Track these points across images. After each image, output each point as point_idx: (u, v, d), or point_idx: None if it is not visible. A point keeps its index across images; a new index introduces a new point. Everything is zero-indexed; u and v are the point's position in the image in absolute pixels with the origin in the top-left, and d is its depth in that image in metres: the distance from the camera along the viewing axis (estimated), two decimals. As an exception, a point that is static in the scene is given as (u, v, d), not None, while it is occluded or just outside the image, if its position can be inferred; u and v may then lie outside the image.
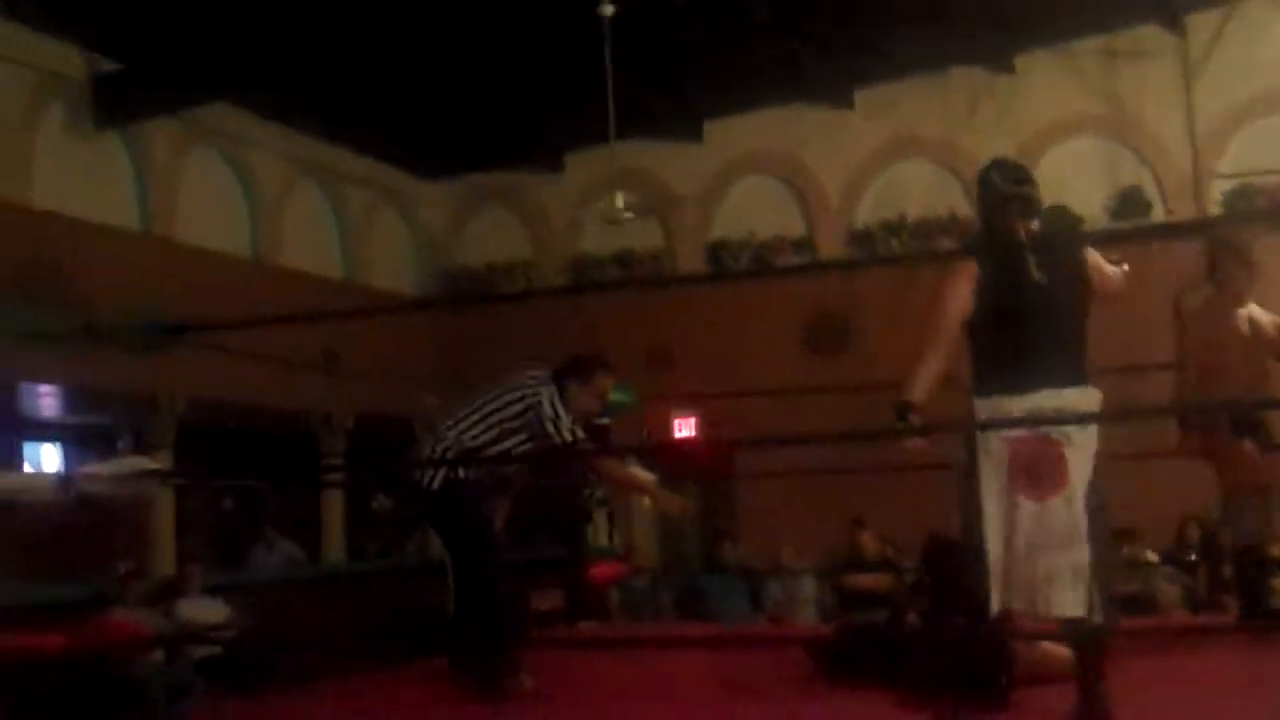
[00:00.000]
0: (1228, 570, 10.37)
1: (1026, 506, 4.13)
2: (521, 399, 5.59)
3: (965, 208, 13.73)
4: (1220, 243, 6.29)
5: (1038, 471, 4.12)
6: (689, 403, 13.19)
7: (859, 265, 14.33)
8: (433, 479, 5.53)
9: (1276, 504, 6.07)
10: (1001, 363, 4.25)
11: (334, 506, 13.91)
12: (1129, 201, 13.04)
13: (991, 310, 4.26)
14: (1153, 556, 10.60)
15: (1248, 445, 5.94)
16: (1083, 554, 4.07)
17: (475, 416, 5.60)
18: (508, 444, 5.56)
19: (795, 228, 14.49)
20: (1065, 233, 4.66)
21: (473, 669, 5.51)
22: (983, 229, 4.62)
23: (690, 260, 14.64)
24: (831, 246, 14.17)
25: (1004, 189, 4.42)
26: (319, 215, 14.44)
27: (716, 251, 14.59)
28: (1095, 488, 4.15)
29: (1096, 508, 4.15)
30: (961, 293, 4.33)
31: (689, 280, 14.52)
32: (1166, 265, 11.94)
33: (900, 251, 13.87)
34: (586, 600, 8.57)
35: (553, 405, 5.53)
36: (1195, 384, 6.11)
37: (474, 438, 5.55)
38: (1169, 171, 13.18)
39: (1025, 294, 4.20)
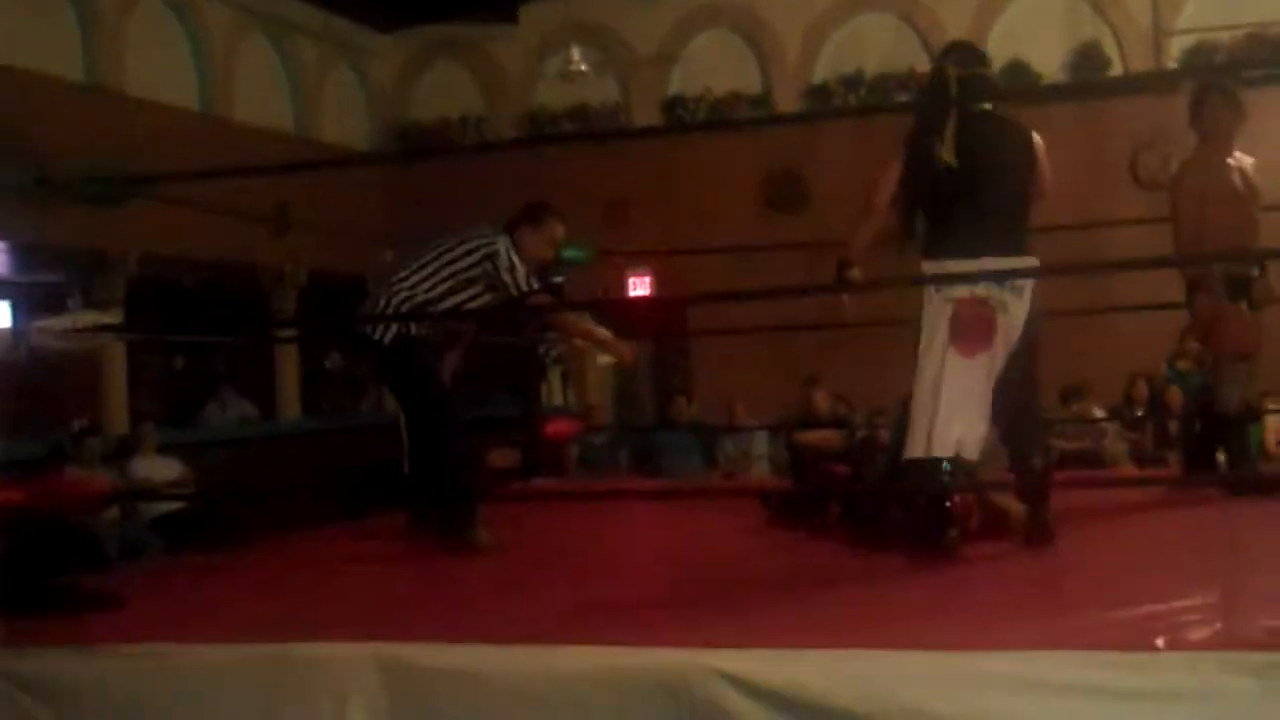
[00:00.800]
0: (1174, 426, 10.59)
1: (955, 360, 4.47)
2: (478, 248, 5.51)
3: (924, 63, 13.60)
4: (1206, 87, 6.13)
5: (969, 330, 4.46)
6: (644, 260, 13.16)
7: (815, 117, 14.25)
8: (384, 333, 5.49)
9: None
10: (941, 231, 4.59)
11: (288, 364, 13.86)
12: (1087, 57, 12.96)
13: (910, 189, 4.68)
14: (1100, 413, 10.76)
15: (1242, 309, 5.84)
16: (986, 413, 4.53)
17: (428, 269, 5.52)
18: (461, 296, 5.50)
19: (752, 84, 14.34)
20: (1012, 123, 4.75)
21: (430, 523, 5.55)
22: (918, 113, 4.99)
23: (646, 117, 14.44)
24: (789, 103, 14.04)
25: (948, 71, 4.71)
26: (269, 68, 14.16)
27: (673, 107, 14.42)
28: (1026, 350, 4.60)
29: (1029, 367, 4.64)
30: (890, 173, 4.75)
31: (644, 133, 14.41)
32: (1123, 121, 12.10)
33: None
34: (542, 457, 8.61)
35: (509, 255, 5.47)
36: (1190, 242, 5.90)
37: (426, 290, 5.48)
38: (1127, 27, 13.10)
39: (940, 174, 4.53)
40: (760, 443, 11.74)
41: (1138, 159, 12.27)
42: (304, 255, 13.09)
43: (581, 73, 13.06)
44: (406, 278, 5.54)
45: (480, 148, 13.95)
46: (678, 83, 14.60)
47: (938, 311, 4.52)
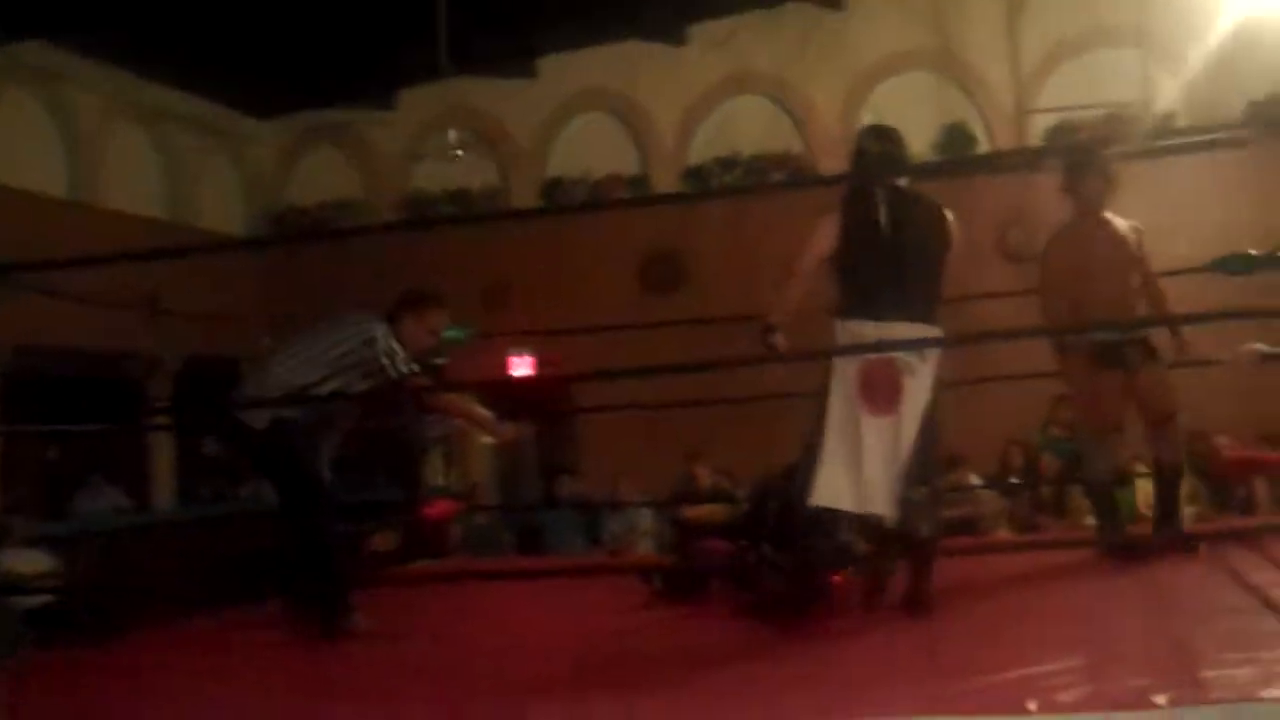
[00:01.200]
0: (1047, 492, 10.79)
1: (866, 420, 4.65)
2: (357, 334, 5.47)
3: (798, 144, 13.89)
4: (1078, 156, 6.30)
5: (879, 391, 4.64)
6: (526, 341, 13.15)
7: (693, 198, 14.39)
8: (258, 419, 5.42)
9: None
10: (862, 293, 4.78)
11: (163, 452, 13.61)
12: (955, 136, 13.26)
13: (848, 251, 4.81)
14: (976, 480, 10.92)
15: (1113, 379, 5.99)
16: (898, 470, 4.66)
17: (303, 355, 5.46)
18: (337, 382, 5.42)
19: (630, 165, 14.48)
20: (928, 198, 4.96)
21: (306, 611, 5.46)
22: (851, 183, 5.14)
23: (525, 199, 14.48)
24: (667, 184, 14.19)
25: (869, 148, 5.04)
26: (142, 155, 14.01)
27: (552, 190, 14.49)
28: (929, 415, 4.72)
29: (929, 432, 4.72)
30: (822, 236, 4.89)
31: (522, 214, 14.48)
32: (990, 198, 12.39)
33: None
34: (422, 539, 8.52)
35: (387, 340, 5.44)
36: (1066, 312, 6.08)
37: (303, 376, 5.41)
38: (992, 107, 13.46)
39: (877, 239, 4.75)
40: (645, 519, 11.72)
41: (1005, 234, 12.57)
42: (179, 341, 12.88)
43: (459, 156, 13.07)
44: (282, 363, 5.48)
45: (356, 231, 13.90)
46: (556, 165, 14.69)
47: (844, 369, 4.70)
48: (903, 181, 4.93)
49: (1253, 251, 6.55)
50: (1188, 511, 10.13)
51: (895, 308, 4.71)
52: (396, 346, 5.45)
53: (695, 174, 14.12)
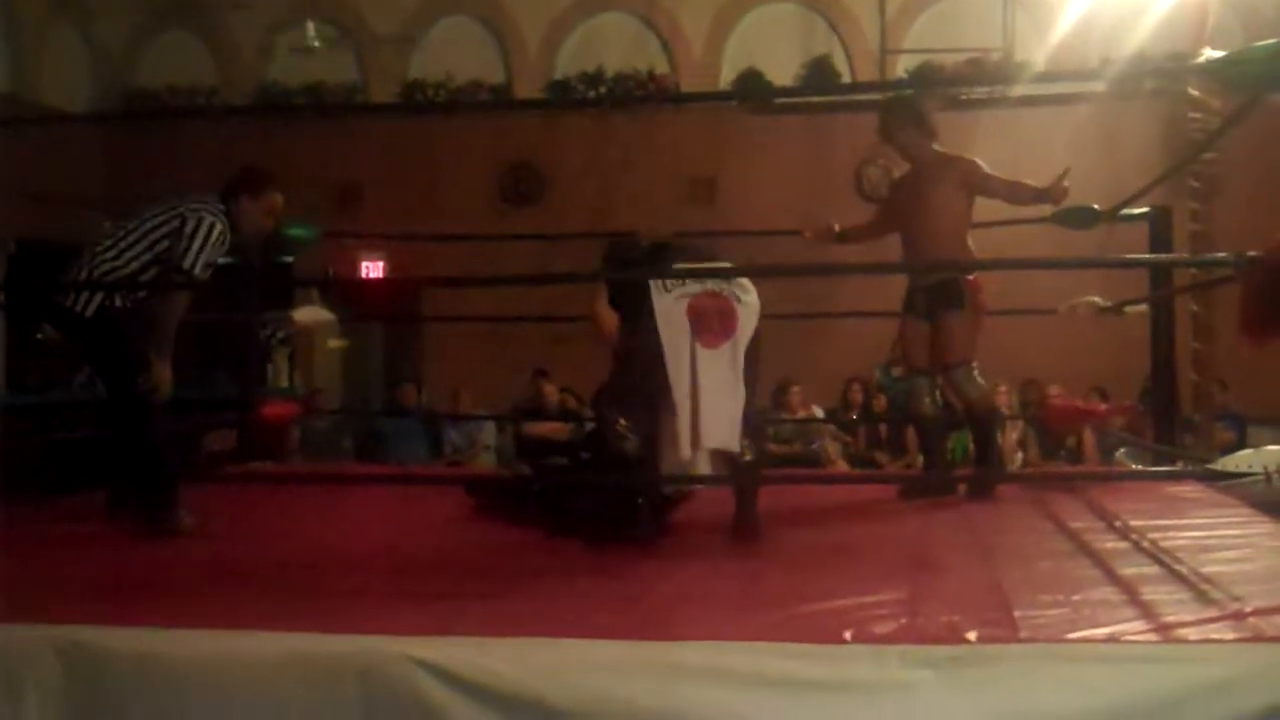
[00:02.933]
0: (884, 430, 11.05)
1: (701, 352, 4.73)
2: (174, 217, 5.28)
3: (663, 65, 13.81)
4: (893, 105, 6.37)
5: (710, 322, 4.77)
6: (378, 244, 12.97)
7: (553, 107, 14.29)
8: (85, 305, 5.24)
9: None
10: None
11: (-7, 336, 13.16)
12: (819, 69, 13.32)
13: None
14: (819, 413, 11.11)
15: (910, 323, 6.29)
16: (740, 397, 4.82)
17: (130, 238, 5.28)
18: (159, 269, 5.26)
19: (494, 74, 14.25)
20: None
21: (130, 506, 5.34)
22: None
23: (385, 99, 14.17)
24: (530, 95, 14.00)
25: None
26: (-17, 22, 13.41)
27: (412, 92, 14.19)
28: (755, 347, 4.88)
29: (753, 363, 4.90)
30: None
31: (379, 109, 14.20)
32: (847, 135, 12.48)
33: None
34: (259, 440, 8.36)
35: (200, 231, 5.22)
36: (901, 259, 6.45)
37: (127, 262, 5.25)
38: (858, 43, 13.51)
39: None
40: (488, 433, 11.70)
41: (861, 171, 12.70)
42: (13, 220, 12.42)
43: (316, 48, 12.75)
44: (110, 248, 5.29)
45: (202, 111, 13.46)
46: (418, 67, 14.37)
47: (671, 309, 4.75)
48: None
49: (1096, 206, 6.71)
50: (1017, 457, 10.48)
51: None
52: (207, 236, 5.23)
53: (559, 87, 13.96)
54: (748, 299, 4.86)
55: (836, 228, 6.69)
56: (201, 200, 5.37)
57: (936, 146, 6.27)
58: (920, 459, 7.22)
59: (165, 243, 5.26)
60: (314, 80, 14.11)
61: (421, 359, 13.73)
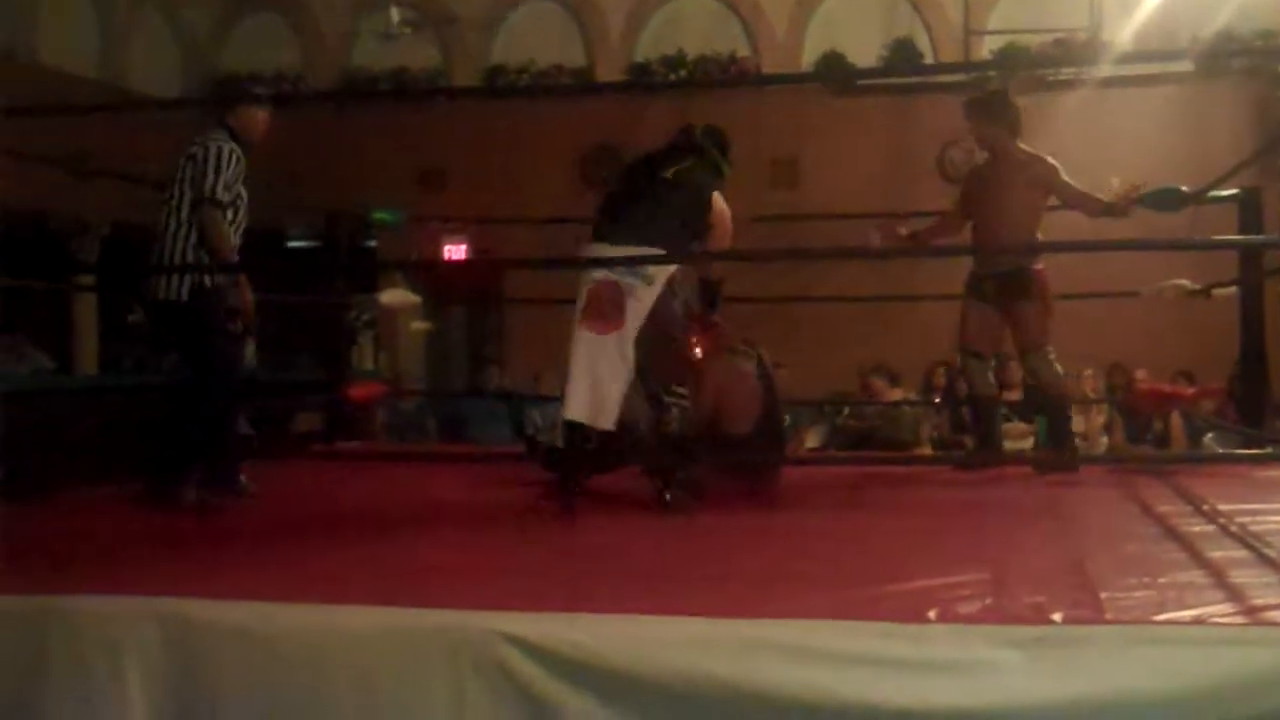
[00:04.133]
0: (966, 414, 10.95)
1: (589, 339, 5.05)
2: (190, 159, 5.33)
3: (744, 48, 13.78)
4: (987, 99, 6.43)
5: (602, 310, 5.05)
6: (461, 227, 13.07)
7: (633, 89, 14.31)
8: (179, 290, 5.30)
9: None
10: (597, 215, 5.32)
11: (88, 317, 13.42)
12: (901, 51, 13.24)
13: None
14: (907, 395, 11.08)
15: (983, 309, 6.40)
16: (622, 383, 5.04)
17: (175, 202, 5.37)
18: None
19: (575, 57, 14.30)
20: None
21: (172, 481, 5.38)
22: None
23: (468, 83, 14.30)
24: (611, 78, 14.04)
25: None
26: (77, 11, 13.63)
27: (494, 76, 14.30)
28: (651, 333, 5.07)
29: (657, 344, 5.12)
30: None
31: (463, 93, 14.27)
32: (930, 118, 12.40)
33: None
34: (347, 421, 8.50)
35: (211, 156, 5.29)
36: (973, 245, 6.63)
37: (186, 236, 5.32)
38: (941, 24, 13.41)
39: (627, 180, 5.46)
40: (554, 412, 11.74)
41: (944, 154, 12.61)
42: (108, 203, 12.65)
43: (401, 34, 12.85)
44: (170, 219, 5.39)
45: (290, 98, 13.61)
46: (500, 52, 14.47)
47: (581, 289, 5.13)
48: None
49: (1184, 188, 6.64)
50: (1102, 441, 10.38)
51: (613, 233, 5.13)
52: (219, 158, 5.29)
53: (640, 70, 13.98)
54: (644, 293, 5.03)
55: (903, 231, 6.75)
56: (202, 134, 5.43)
57: (1021, 144, 6.31)
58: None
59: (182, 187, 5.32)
60: (397, 65, 14.24)
61: (503, 341, 13.83)
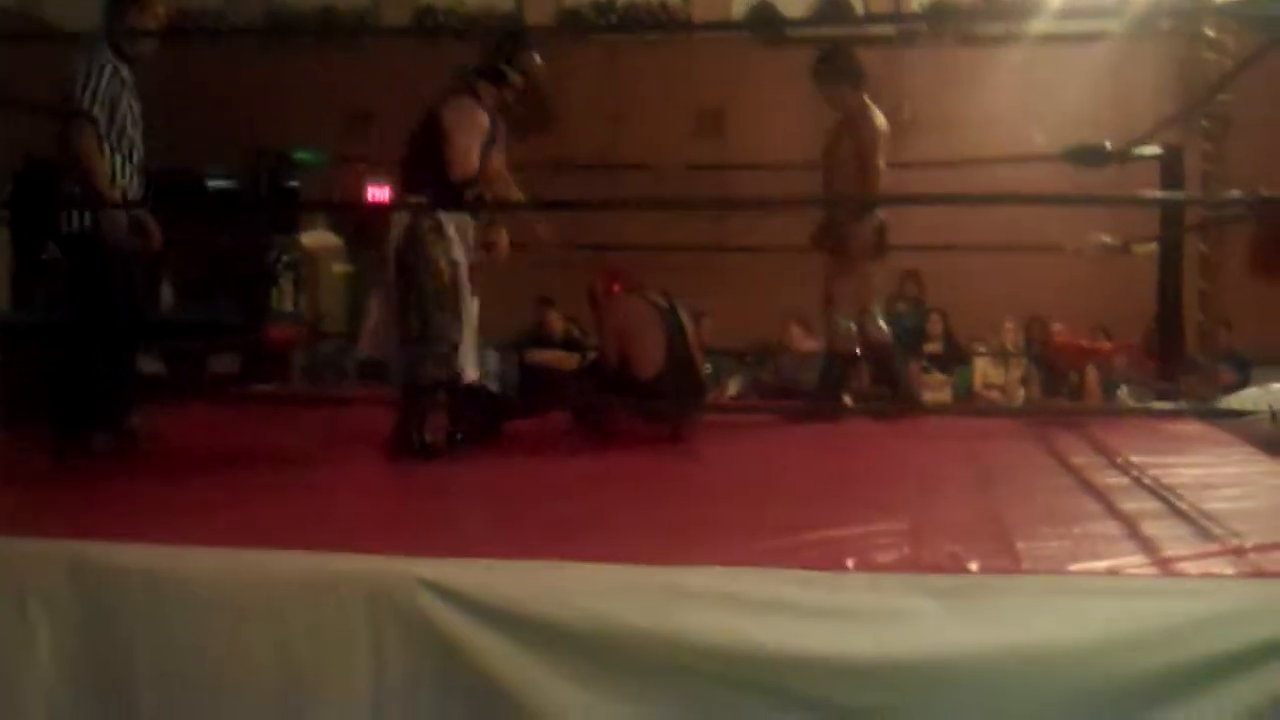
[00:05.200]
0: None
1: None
2: (70, 77, 5.08)
3: (676, -4, 13.70)
4: (813, 71, 6.53)
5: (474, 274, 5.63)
6: (384, 170, 12.90)
7: (561, 35, 14.17)
8: (82, 221, 5.15)
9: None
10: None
11: (1, 254, 13.13)
12: (832, 4, 13.19)
13: None
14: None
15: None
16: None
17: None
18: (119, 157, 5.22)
19: (505, 1, 14.13)
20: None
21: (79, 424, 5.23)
22: None
23: (396, 24, 14.07)
24: (539, 23, 13.88)
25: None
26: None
27: (423, 17, 14.07)
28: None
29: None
30: None
31: (389, 32, 14.07)
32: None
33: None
34: (263, 364, 8.39)
35: (80, 70, 5.07)
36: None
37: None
38: (872, -24, 13.37)
39: None
40: (490, 359, 11.69)
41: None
42: (20, 137, 12.36)
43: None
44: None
45: (213, 33, 13.36)
46: (429, -8, 14.24)
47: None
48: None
49: (1107, 145, 6.69)
50: (1020, 394, 10.50)
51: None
52: (88, 70, 5.08)
53: (571, 16, 13.84)
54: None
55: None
56: (86, 47, 5.21)
57: (865, 98, 6.39)
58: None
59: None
60: (325, 4, 13.99)
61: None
